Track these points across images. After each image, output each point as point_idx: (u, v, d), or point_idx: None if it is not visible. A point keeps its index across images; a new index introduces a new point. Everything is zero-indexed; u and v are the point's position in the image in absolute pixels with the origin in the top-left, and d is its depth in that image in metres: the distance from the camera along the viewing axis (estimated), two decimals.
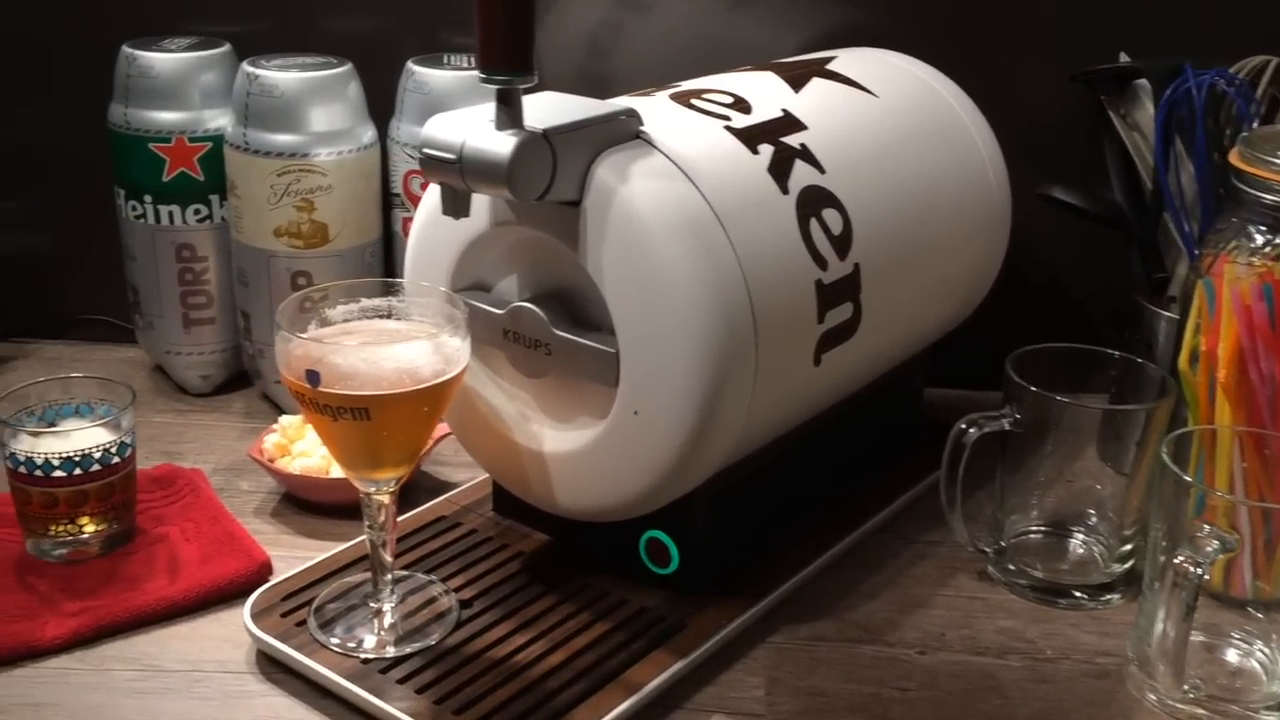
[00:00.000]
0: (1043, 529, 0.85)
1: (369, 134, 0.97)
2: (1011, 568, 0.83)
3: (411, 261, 0.78)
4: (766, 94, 0.80)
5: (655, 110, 0.74)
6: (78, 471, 0.78)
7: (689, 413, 0.68)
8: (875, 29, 1.02)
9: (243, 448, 0.98)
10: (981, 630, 0.79)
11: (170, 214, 1.00)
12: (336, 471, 0.88)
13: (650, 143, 0.70)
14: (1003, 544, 0.83)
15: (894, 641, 0.77)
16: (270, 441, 0.90)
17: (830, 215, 0.75)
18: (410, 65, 0.97)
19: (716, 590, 0.78)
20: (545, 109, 0.68)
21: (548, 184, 0.66)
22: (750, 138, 0.74)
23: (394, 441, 0.69)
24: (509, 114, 0.65)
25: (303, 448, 0.90)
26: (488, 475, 0.88)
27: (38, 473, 0.78)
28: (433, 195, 0.75)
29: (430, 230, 0.76)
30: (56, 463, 0.78)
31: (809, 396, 0.78)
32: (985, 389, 1.07)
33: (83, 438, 0.79)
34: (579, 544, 0.81)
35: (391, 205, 1.00)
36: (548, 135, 0.65)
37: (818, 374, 0.76)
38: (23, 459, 0.78)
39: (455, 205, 0.68)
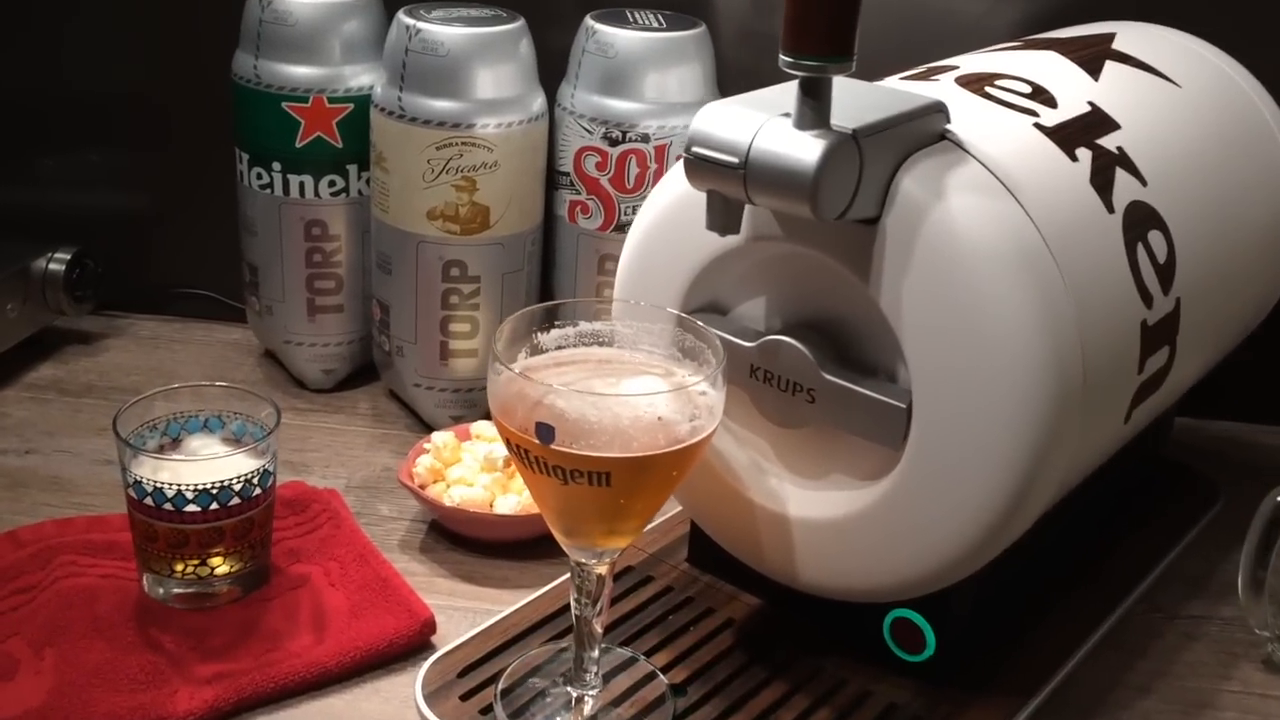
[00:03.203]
0: None
1: (538, 102, 0.83)
2: None
3: (629, 273, 0.63)
4: (1065, 81, 0.66)
5: (949, 101, 0.59)
6: (214, 506, 0.65)
7: (1005, 483, 0.54)
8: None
9: (375, 459, 0.85)
10: None
11: (301, 185, 0.86)
12: (501, 506, 0.75)
13: (961, 146, 0.56)
14: None
15: None
16: (423, 465, 0.77)
17: (1155, 239, 0.61)
18: (590, 22, 0.83)
19: (974, 681, 0.65)
20: (840, 101, 0.53)
21: (851, 198, 0.52)
22: (1065, 139, 0.60)
23: (632, 509, 0.55)
24: (815, 109, 0.50)
25: (460, 473, 0.76)
26: (674, 516, 0.75)
27: (167, 505, 0.65)
28: (666, 193, 0.61)
29: (659, 238, 0.62)
30: (190, 495, 0.65)
31: (1106, 456, 0.64)
32: (1205, 417, 0.94)
33: (220, 467, 0.66)
34: (801, 615, 0.68)
35: (556, 185, 0.86)
36: (857, 137, 0.51)
37: (1124, 432, 0.62)
38: (149, 489, 0.65)
39: (725, 219, 0.53)
